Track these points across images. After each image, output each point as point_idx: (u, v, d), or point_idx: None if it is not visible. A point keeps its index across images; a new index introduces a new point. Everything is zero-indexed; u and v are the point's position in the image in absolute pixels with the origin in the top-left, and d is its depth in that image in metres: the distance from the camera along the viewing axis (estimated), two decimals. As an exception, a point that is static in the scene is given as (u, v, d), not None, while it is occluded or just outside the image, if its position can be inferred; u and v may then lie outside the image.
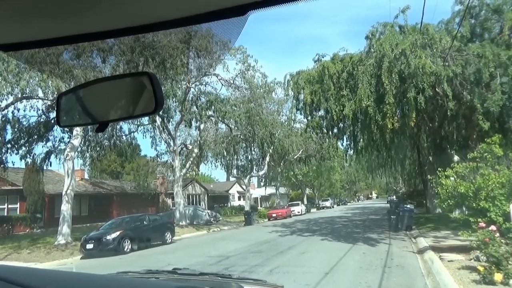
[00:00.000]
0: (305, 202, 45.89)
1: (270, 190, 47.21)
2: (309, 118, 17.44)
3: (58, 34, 0.89)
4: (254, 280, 1.59)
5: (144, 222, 16.45)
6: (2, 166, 17.94)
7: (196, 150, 27.44)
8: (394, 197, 46.58)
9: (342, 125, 17.71)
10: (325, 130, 18.18)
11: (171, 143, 25.02)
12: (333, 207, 51.77)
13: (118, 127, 22.02)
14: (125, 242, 14.39)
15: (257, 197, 49.96)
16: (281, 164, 39.40)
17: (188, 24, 0.78)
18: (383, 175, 42.84)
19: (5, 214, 22.42)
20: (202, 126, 26.07)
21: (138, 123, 23.74)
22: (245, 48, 25.41)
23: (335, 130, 18.37)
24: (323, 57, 16.58)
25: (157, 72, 18.96)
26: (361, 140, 18.22)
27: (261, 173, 37.08)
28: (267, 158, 34.68)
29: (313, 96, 15.83)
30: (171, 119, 25.14)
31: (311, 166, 43.55)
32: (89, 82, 0.91)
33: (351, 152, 21.65)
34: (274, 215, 31.48)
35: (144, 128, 25.57)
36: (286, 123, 31.89)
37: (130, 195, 30.39)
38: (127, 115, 0.89)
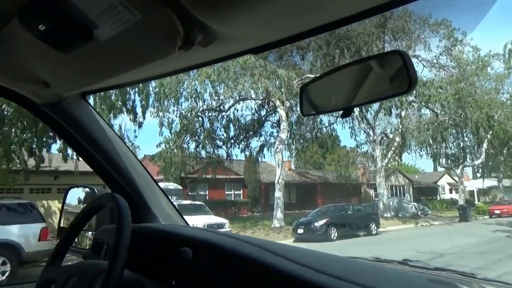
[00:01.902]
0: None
1: (490, 182, 40.29)
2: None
3: (292, 32, 0.96)
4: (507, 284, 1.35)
5: (348, 211, 16.71)
6: (228, 158, 21.49)
7: (397, 139, 25.98)
8: None
9: None
10: None
11: (371, 133, 24.49)
12: None
13: (318, 119, 23.05)
14: (331, 230, 14.98)
15: (473, 190, 43.48)
16: (504, 151, 33.05)
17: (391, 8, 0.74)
18: None
19: (232, 198, 26.67)
20: (403, 113, 24.49)
21: (337, 114, 24.19)
22: (449, 21, 22.39)
23: None
24: None
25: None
26: None
27: (477, 162, 32.07)
28: (485, 145, 29.70)
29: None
30: (369, 108, 24.62)
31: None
32: (332, 70, 0.95)
33: None
34: (497, 211, 26.71)
35: (342, 119, 25.91)
36: (508, 102, 26.55)
37: (332, 185, 31.37)
38: (376, 97, 0.89)
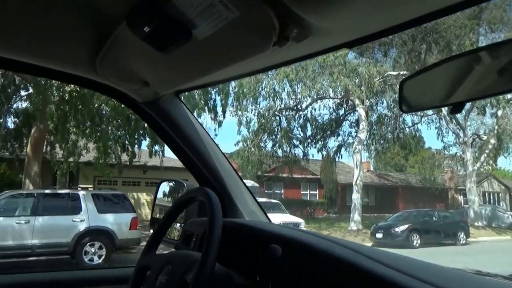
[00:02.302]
0: None
1: None
2: None
3: (388, 25, 0.90)
4: None
5: (433, 218, 15.60)
6: (305, 158, 21.36)
7: (492, 141, 23.53)
8: None
9: None
10: None
11: (461, 134, 22.53)
12: None
13: (401, 119, 21.84)
14: (413, 236, 14.11)
15: None
16: None
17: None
18: None
19: (308, 198, 26.48)
20: (500, 113, 22.12)
21: (422, 114, 22.70)
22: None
23: None
24: None
25: (442, 57, 17.49)
26: None
27: None
28: None
29: None
30: (459, 107, 22.60)
31: None
32: (437, 63, 0.87)
33: None
34: None
35: (428, 119, 24.24)
36: None
37: (415, 188, 29.53)
38: (489, 92, 0.80)
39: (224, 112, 15.18)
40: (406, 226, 14.25)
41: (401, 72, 17.93)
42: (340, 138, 21.65)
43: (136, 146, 13.30)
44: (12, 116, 14.37)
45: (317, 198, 26.60)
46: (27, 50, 1.13)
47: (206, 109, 14.05)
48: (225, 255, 1.11)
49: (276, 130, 20.80)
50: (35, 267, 8.25)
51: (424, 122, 25.58)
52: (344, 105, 21.22)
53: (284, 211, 14.60)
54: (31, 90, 12.35)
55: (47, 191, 10.00)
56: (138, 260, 1.25)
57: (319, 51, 1.02)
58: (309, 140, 21.01)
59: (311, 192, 26.91)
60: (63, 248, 8.65)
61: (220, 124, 15.09)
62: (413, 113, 22.12)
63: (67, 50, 1.14)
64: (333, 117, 21.17)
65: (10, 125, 14.45)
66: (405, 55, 18.40)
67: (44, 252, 8.51)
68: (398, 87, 0.93)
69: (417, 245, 13.89)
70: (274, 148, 21.24)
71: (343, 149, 21.68)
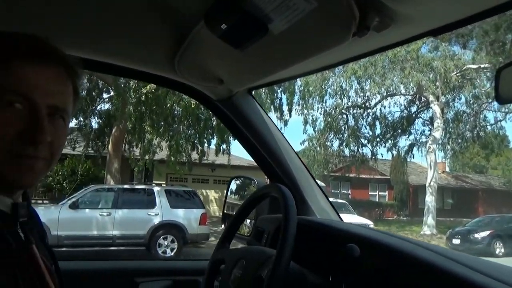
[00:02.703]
0: None
1: None
2: None
3: (477, 10, 0.82)
4: None
5: (521, 224, 14.14)
6: (373, 157, 20.57)
7: None
8: None
9: None
10: None
11: (555, 132, 20.13)
12: None
13: (481, 116, 20.11)
14: (496, 244, 12.91)
15: None
16: None
17: None
18: None
19: (376, 200, 25.50)
20: None
21: (506, 110, 20.69)
22: None
23: None
24: None
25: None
26: None
27: None
28: None
29: None
30: (553, 102, 20.23)
31: None
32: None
33: None
34: None
35: (514, 116, 22.00)
36: None
37: (498, 192, 27.04)
38: None
39: (290, 111, 15.14)
40: (488, 232, 13.08)
41: (482, 65, 16.49)
42: (412, 137, 20.48)
43: (206, 144, 13.79)
44: (96, 117, 15.69)
45: (387, 199, 25.52)
46: (112, 52, 1.22)
47: (272, 108, 14.12)
48: (298, 253, 1.10)
49: (343, 128, 20.28)
50: (116, 256, 8.94)
51: (509, 119, 23.36)
52: (417, 102, 20.02)
53: (352, 211, 14.20)
54: (112, 93, 13.40)
55: (125, 186, 10.77)
56: (212, 253, 1.28)
57: (401, 41, 0.96)
58: (378, 139, 20.16)
59: (380, 193, 25.89)
60: (140, 239, 9.26)
61: (286, 123, 15.08)
62: (496, 110, 20.27)
63: (148, 51, 1.21)
64: (404, 114, 20.08)
65: (94, 125, 15.80)
66: (486, 46, 16.88)
67: (123, 243, 9.18)
68: (493, 76, 0.84)
69: (500, 253, 12.68)
70: (341, 147, 20.73)
71: (415, 148, 20.50)
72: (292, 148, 1.58)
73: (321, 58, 1.02)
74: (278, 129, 1.54)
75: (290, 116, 15.23)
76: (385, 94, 18.63)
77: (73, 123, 13.72)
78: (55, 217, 8.49)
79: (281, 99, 14.69)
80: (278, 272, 0.89)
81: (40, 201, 13.54)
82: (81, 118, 14.65)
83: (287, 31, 0.88)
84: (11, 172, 0.69)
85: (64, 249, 8.34)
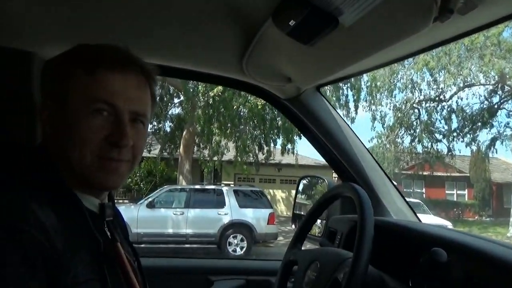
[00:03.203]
0: None
1: None
2: None
3: None
4: None
5: None
6: (450, 153, 19.16)
7: None
8: None
9: None
10: None
11: None
12: None
13: None
14: None
15: None
16: None
17: None
18: None
19: (454, 199, 23.74)
20: None
21: None
22: None
23: None
24: None
25: None
26: None
27: None
28: None
29: None
30: None
31: None
32: None
33: None
34: None
35: None
36: None
37: None
38: None
39: (356, 107, 14.68)
40: None
41: None
42: (494, 130, 18.66)
43: (271, 144, 13.89)
44: (167, 121, 16.56)
45: (466, 198, 23.65)
46: (183, 57, 1.26)
47: (337, 105, 13.80)
48: (375, 255, 1.05)
49: (415, 123, 19.15)
50: (189, 254, 9.35)
51: None
52: (499, 92, 18.24)
53: (427, 211, 13.36)
54: (181, 97, 14.05)
55: (196, 186, 11.23)
56: (284, 254, 1.27)
57: (486, 24, 0.86)
58: (454, 134, 18.71)
59: (458, 192, 24.06)
60: (211, 238, 9.58)
61: (352, 120, 14.64)
62: None
63: (217, 53, 1.23)
64: (484, 106, 18.38)
65: (167, 129, 16.68)
66: None
67: (196, 241, 9.58)
68: None
69: None
70: (413, 144, 19.61)
71: (498, 142, 18.68)
72: (364, 146, 1.52)
73: (395, 48, 0.96)
74: (349, 126, 1.48)
75: (356, 113, 14.78)
76: (461, 85, 17.26)
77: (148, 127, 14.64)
78: (134, 215, 9.10)
79: (347, 96, 14.31)
80: (356, 275, 0.85)
81: (121, 201, 14.62)
82: (155, 123, 15.56)
83: (359, 22, 0.84)
84: (98, 174, 0.74)
85: (143, 245, 8.90)
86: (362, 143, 1.51)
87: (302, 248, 1.23)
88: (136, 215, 9.18)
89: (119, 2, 0.98)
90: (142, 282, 0.88)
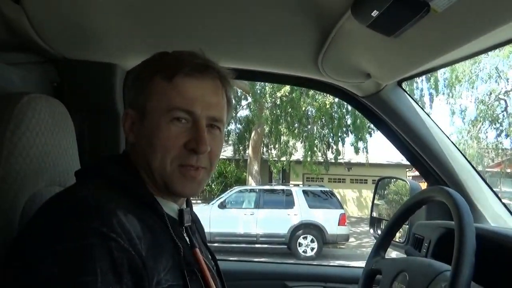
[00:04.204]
0: None
1: None
2: None
3: None
4: None
5: None
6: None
7: None
8: None
9: None
10: None
11: None
12: None
13: None
14: None
15: None
16: None
17: None
18: None
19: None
20: None
21: None
22: None
23: None
24: None
25: None
26: None
27: None
28: None
29: None
30: None
31: None
32: None
33: None
34: None
35: None
36: None
37: None
38: None
39: (432, 102, 13.76)
40: None
41: None
42: None
43: (340, 143, 13.55)
44: (237, 123, 16.92)
45: None
46: (259, 59, 1.25)
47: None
48: (477, 269, 0.93)
49: (501, 116, 17.40)
50: (260, 254, 9.45)
51: None
52: None
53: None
54: (249, 99, 14.28)
55: (266, 187, 11.30)
56: (366, 262, 1.19)
57: None
58: None
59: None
60: (281, 238, 9.57)
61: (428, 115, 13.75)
62: None
63: (292, 53, 1.19)
64: None
65: (236, 130, 17.04)
66: None
67: (266, 241, 9.63)
68: None
69: None
70: (499, 139, 17.83)
71: None
72: (455, 145, 1.38)
73: (489, 37, 0.83)
74: (436, 123, 1.35)
75: (431, 108, 13.86)
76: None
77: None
78: (207, 215, 9.40)
79: (421, 89, 13.47)
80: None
81: (194, 201, 15.21)
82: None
83: (452, 6, 0.74)
84: (178, 182, 0.74)
85: (216, 244, 9.17)
86: (452, 141, 1.37)
87: (389, 258, 1.15)
88: (209, 215, 9.47)
89: (195, 12, 0.99)
90: (222, 287, 0.87)
